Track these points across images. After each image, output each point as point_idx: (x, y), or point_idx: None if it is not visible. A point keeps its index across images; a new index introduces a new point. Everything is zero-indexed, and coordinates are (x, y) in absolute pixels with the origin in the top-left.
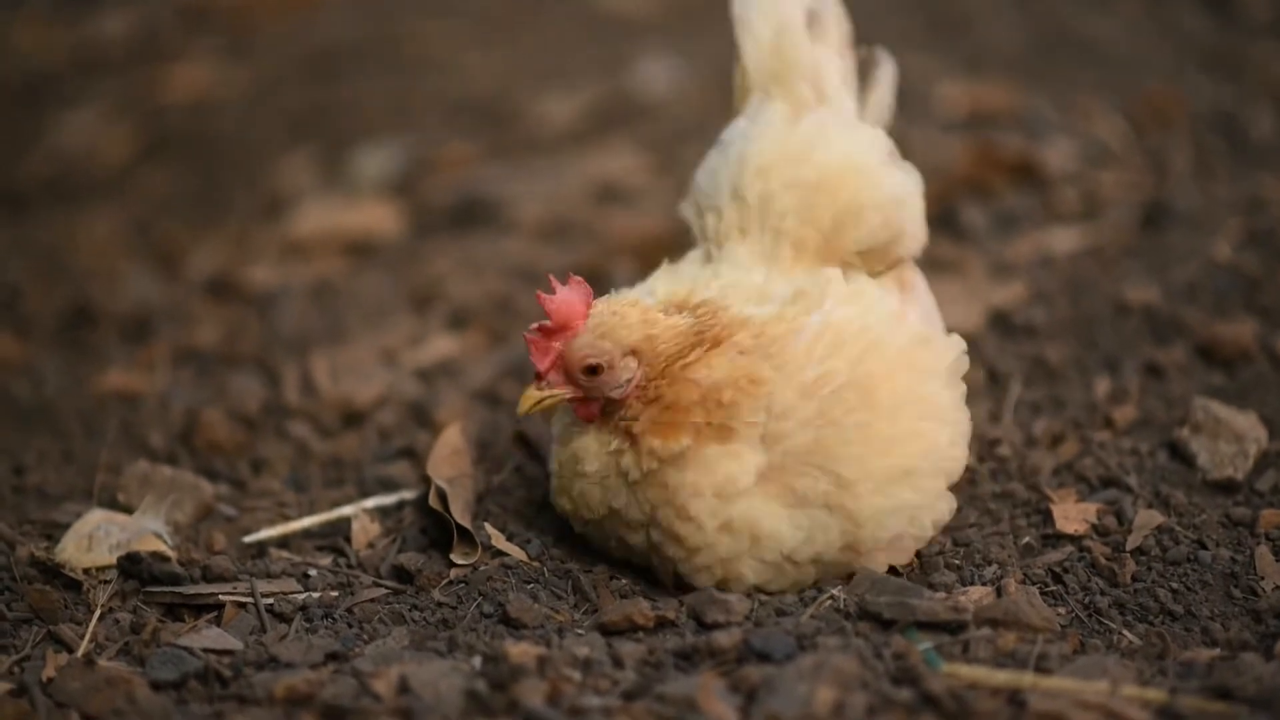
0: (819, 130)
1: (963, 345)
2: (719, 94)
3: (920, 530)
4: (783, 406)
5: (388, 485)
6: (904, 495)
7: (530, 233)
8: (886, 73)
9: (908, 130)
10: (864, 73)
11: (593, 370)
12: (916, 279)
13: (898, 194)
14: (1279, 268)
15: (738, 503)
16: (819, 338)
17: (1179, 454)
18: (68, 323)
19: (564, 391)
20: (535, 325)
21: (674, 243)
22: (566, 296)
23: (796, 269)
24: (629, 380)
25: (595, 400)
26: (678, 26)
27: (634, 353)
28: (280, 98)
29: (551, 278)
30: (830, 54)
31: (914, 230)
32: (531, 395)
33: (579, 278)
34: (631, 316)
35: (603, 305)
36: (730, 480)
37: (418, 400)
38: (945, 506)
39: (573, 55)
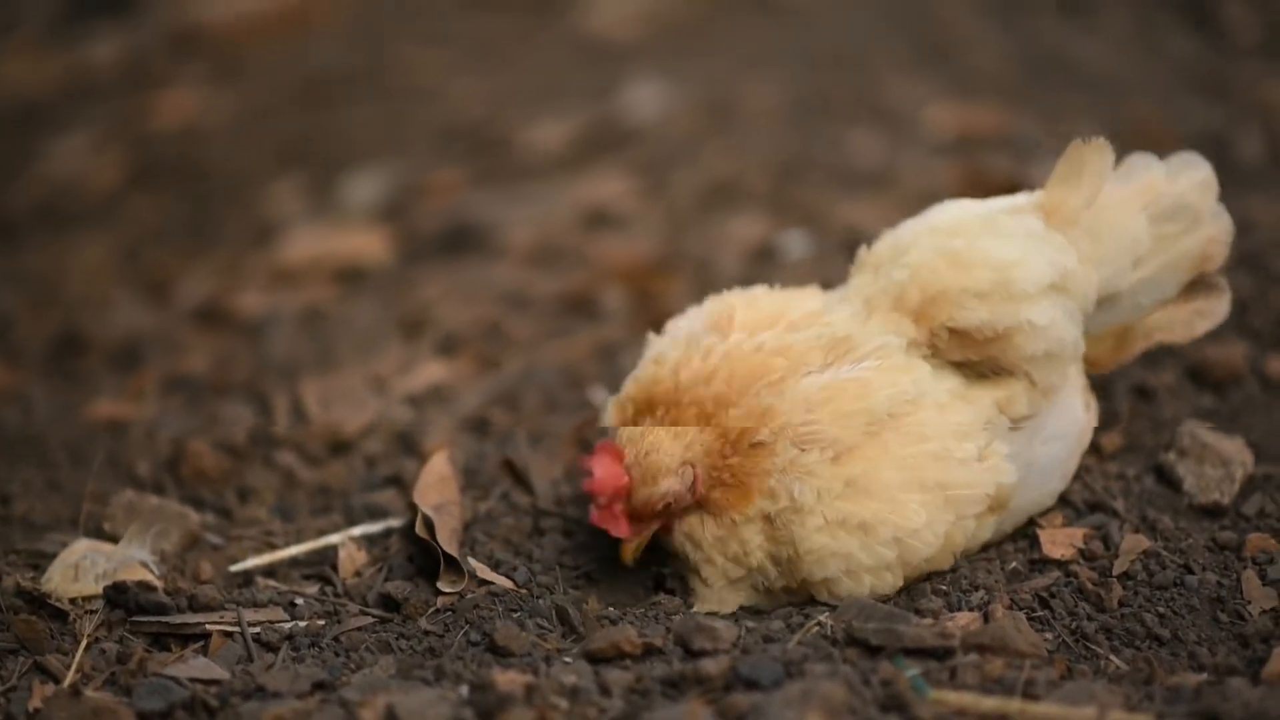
0: (1010, 225)
1: (989, 499)
2: (708, 118)
3: (856, 585)
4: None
5: (375, 513)
6: (850, 544)
7: (520, 259)
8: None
9: (897, 153)
10: None
11: (668, 507)
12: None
13: (1037, 319)
14: (1269, 290)
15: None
16: (825, 389)
17: (1165, 478)
18: (57, 351)
19: (652, 528)
20: (592, 511)
21: (663, 268)
22: (603, 472)
23: (886, 323)
24: (693, 483)
25: (674, 516)
26: (666, 51)
27: (688, 464)
28: (269, 124)
29: (586, 461)
30: (1139, 217)
31: (1048, 371)
32: (628, 548)
33: (605, 444)
34: (664, 443)
35: (638, 440)
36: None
37: (406, 428)
38: (890, 579)
39: (561, 81)
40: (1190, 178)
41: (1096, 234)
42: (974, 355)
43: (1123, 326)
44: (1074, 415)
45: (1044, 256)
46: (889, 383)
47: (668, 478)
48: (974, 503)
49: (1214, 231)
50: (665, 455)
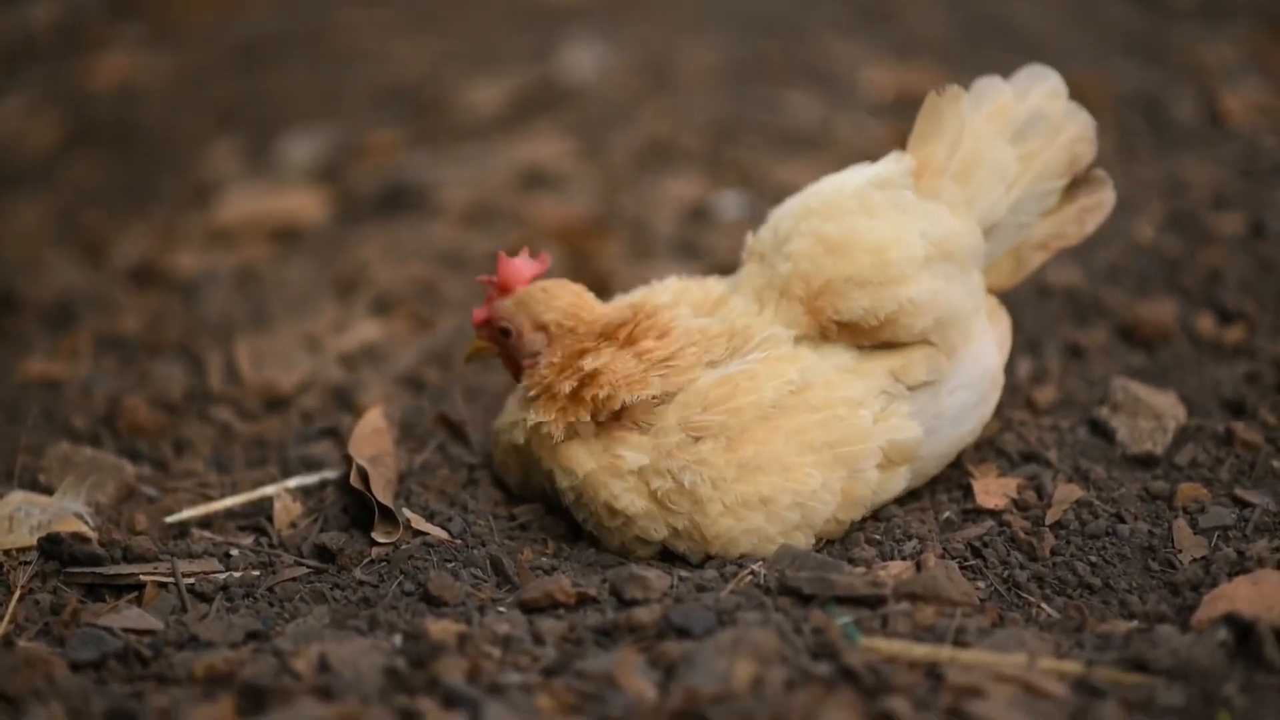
0: (881, 201)
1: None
2: (646, 79)
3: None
4: (664, 425)
5: (310, 465)
6: (756, 519)
7: (456, 219)
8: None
9: (834, 115)
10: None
11: (504, 333)
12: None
13: (918, 297)
14: (1199, 249)
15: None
16: (719, 384)
17: (1099, 430)
18: None
19: (487, 345)
20: (485, 278)
21: (599, 228)
22: (517, 264)
23: (779, 314)
24: (535, 353)
25: (512, 361)
26: (606, 11)
27: (544, 329)
28: (207, 86)
29: (524, 251)
30: (998, 143)
31: (945, 334)
32: (471, 341)
33: (546, 256)
34: (561, 299)
35: (544, 282)
36: (578, 464)
37: (341, 384)
38: (802, 539)
39: (499, 42)
40: (1039, 89)
41: (965, 175)
42: (866, 341)
43: (1014, 246)
44: (983, 362)
45: (917, 229)
46: (775, 374)
47: (524, 313)
48: (866, 457)
49: (1074, 132)
50: (548, 304)
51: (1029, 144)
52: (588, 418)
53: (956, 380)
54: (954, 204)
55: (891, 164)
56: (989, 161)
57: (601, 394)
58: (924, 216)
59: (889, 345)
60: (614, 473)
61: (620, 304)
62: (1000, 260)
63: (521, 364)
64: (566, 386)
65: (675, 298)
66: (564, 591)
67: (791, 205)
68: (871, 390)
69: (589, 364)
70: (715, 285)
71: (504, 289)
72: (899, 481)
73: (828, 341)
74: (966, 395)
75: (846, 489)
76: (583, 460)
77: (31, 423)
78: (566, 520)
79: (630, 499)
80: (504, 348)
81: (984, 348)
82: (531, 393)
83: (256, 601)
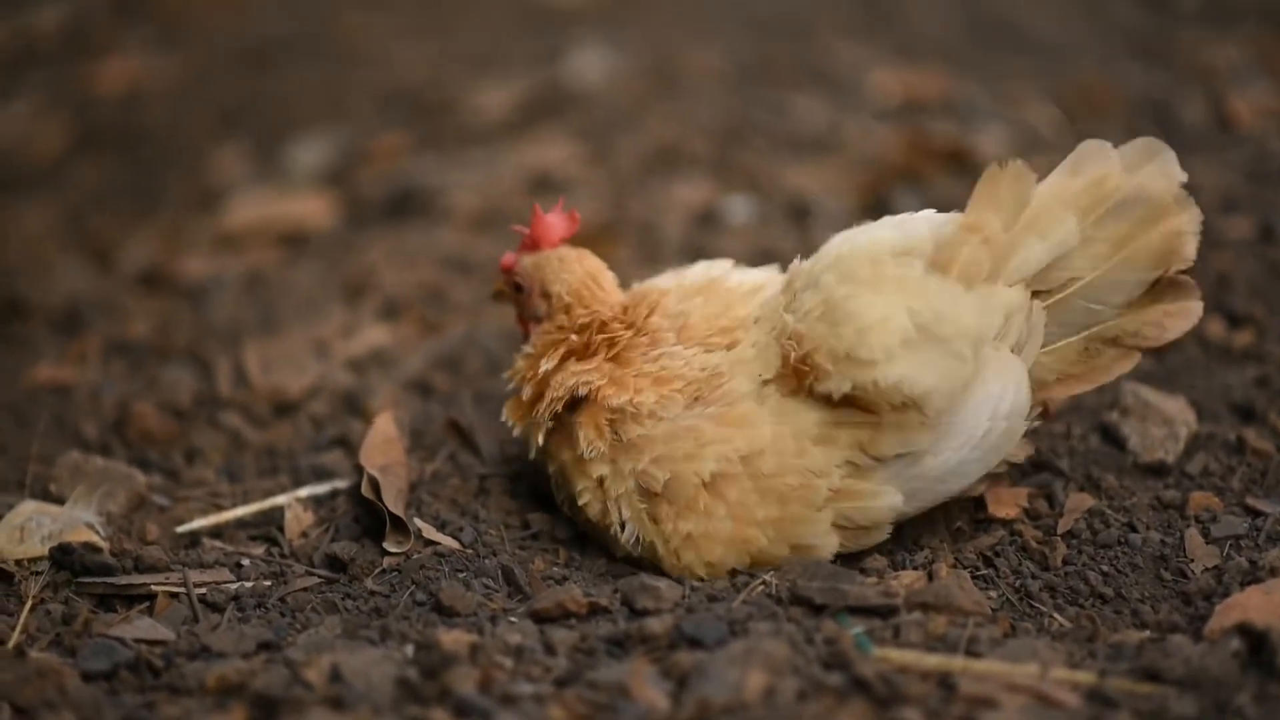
0: (889, 273)
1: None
2: (653, 83)
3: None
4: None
5: (321, 474)
6: (704, 572)
7: (463, 223)
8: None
9: (842, 118)
10: None
11: (516, 288)
12: None
13: (882, 380)
14: (1208, 253)
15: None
16: (669, 437)
17: (1110, 437)
18: None
19: (505, 294)
20: (519, 228)
21: (608, 232)
22: (549, 221)
23: (767, 360)
24: (538, 318)
25: (520, 317)
26: (612, 15)
27: (547, 298)
28: (213, 90)
29: (560, 202)
30: (1064, 219)
31: (923, 409)
32: (498, 280)
33: (577, 215)
34: (572, 273)
35: (566, 251)
36: (555, 451)
37: (350, 389)
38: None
39: (506, 45)
40: (1149, 167)
41: (1008, 250)
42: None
43: (1084, 334)
44: (982, 419)
45: (907, 309)
46: (722, 438)
47: (537, 275)
48: (813, 535)
49: (1178, 224)
50: (557, 274)
51: (1122, 225)
52: (546, 420)
53: (945, 444)
54: (981, 278)
55: (923, 228)
56: (1048, 240)
57: (551, 396)
58: (921, 295)
59: (864, 408)
60: (582, 471)
61: (633, 292)
62: (1067, 348)
63: (527, 323)
64: (526, 392)
65: (685, 294)
66: (576, 601)
67: (834, 245)
68: (834, 459)
69: (543, 368)
70: (747, 297)
71: (532, 245)
72: (878, 536)
73: (801, 396)
74: (960, 455)
75: (803, 551)
76: (559, 447)
77: (42, 431)
78: (578, 529)
79: (590, 499)
80: (516, 301)
81: (988, 398)
82: (509, 385)
83: (268, 612)
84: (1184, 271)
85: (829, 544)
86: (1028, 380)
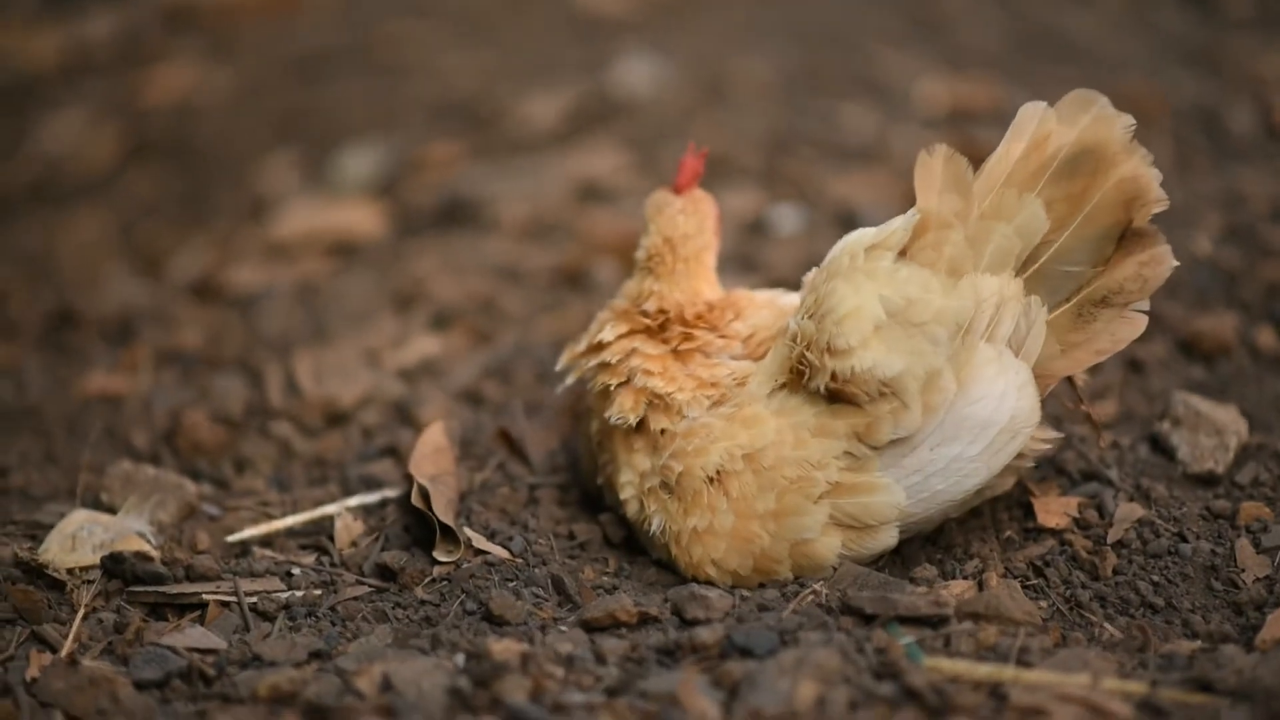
0: (861, 266)
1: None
2: (700, 92)
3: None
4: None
5: (371, 484)
6: (713, 572)
7: (512, 233)
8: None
9: (889, 127)
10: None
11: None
12: None
13: (859, 366)
14: (1259, 262)
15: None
16: (687, 433)
17: (1160, 447)
18: (51, 326)
19: None
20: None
21: None
22: (688, 162)
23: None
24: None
25: None
26: (658, 25)
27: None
28: (263, 100)
29: (690, 146)
30: (1018, 194)
31: (907, 396)
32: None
33: (701, 159)
34: (665, 223)
35: (685, 198)
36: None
37: (401, 399)
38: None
39: (554, 55)
40: (1086, 118)
41: (977, 239)
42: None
43: (1073, 300)
44: (984, 412)
45: (878, 296)
46: (728, 435)
47: (647, 214)
48: (807, 528)
49: (1129, 169)
50: (653, 217)
51: (1075, 181)
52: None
53: (942, 434)
54: (948, 262)
55: (898, 223)
56: (1015, 221)
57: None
58: (890, 283)
59: (855, 402)
60: (627, 459)
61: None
62: (1060, 316)
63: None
64: (583, 344)
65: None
66: (626, 611)
67: (834, 249)
68: (831, 451)
69: (606, 335)
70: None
71: (681, 179)
72: (884, 539)
73: (802, 393)
74: (960, 448)
75: (803, 552)
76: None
77: (94, 441)
78: (628, 539)
79: (630, 495)
80: None
81: (987, 396)
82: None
83: (319, 621)
84: (1153, 220)
85: (829, 544)
86: (1033, 385)
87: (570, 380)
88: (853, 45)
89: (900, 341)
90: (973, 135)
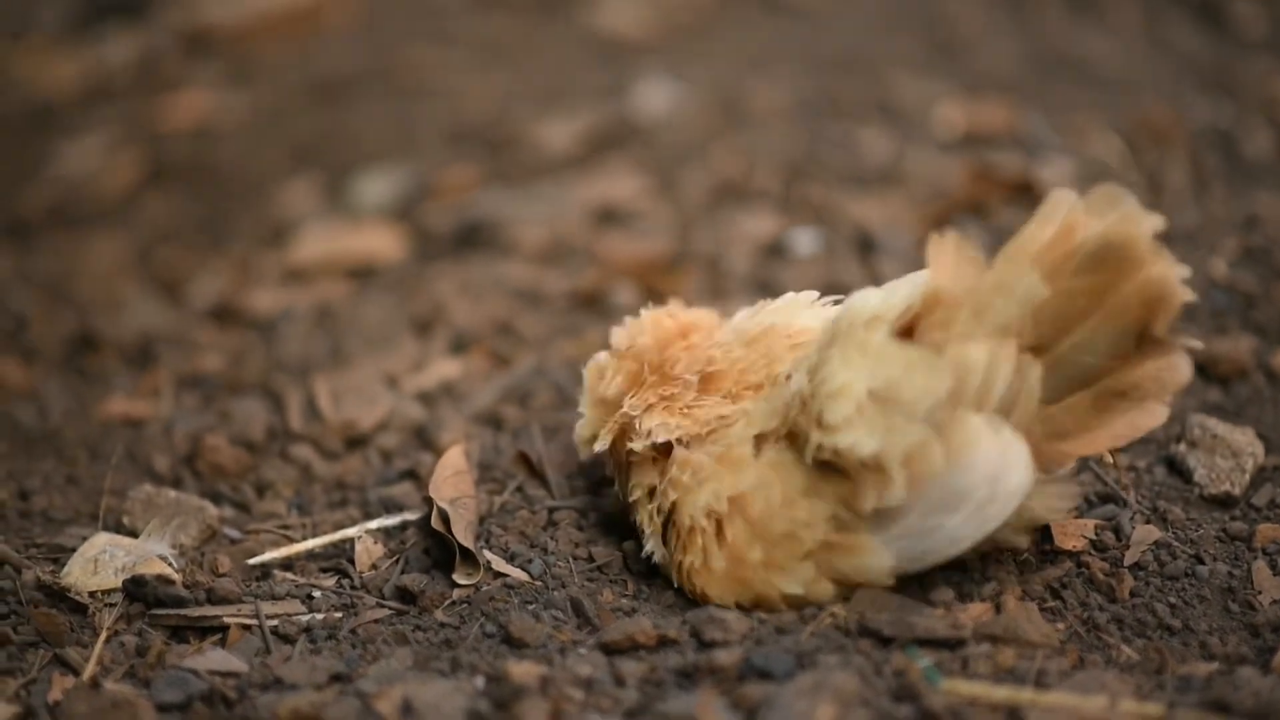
0: (857, 340)
1: None
2: (718, 116)
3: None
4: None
5: (390, 507)
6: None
7: (531, 256)
8: None
9: (907, 151)
10: None
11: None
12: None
13: (840, 445)
14: (1275, 285)
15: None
16: (674, 465)
17: (1176, 469)
18: (71, 350)
19: None
20: None
21: (674, 266)
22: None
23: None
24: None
25: None
26: (677, 49)
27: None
28: (282, 125)
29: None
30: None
31: (888, 470)
32: None
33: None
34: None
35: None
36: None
37: (420, 423)
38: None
39: (571, 79)
40: (1114, 214)
41: (979, 310)
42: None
43: (1090, 389)
44: (969, 483)
45: (865, 378)
46: (715, 476)
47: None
48: (789, 585)
49: (1153, 273)
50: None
51: (1099, 275)
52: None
53: (929, 503)
54: (954, 340)
55: (903, 293)
56: (1013, 297)
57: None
58: (879, 361)
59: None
60: (636, 472)
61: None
62: (1079, 401)
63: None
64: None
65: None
66: (645, 633)
67: (842, 308)
68: (820, 512)
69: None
70: (791, 351)
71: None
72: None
73: (794, 450)
74: (948, 516)
75: (795, 600)
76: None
77: (115, 464)
78: (646, 562)
79: (638, 501)
80: None
81: (976, 465)
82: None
83: (339, 643)
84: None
85: (822, 591)
86: (1027, 459)
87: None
88: (870, 69)
89: (878, 421)
90: (988, 159)
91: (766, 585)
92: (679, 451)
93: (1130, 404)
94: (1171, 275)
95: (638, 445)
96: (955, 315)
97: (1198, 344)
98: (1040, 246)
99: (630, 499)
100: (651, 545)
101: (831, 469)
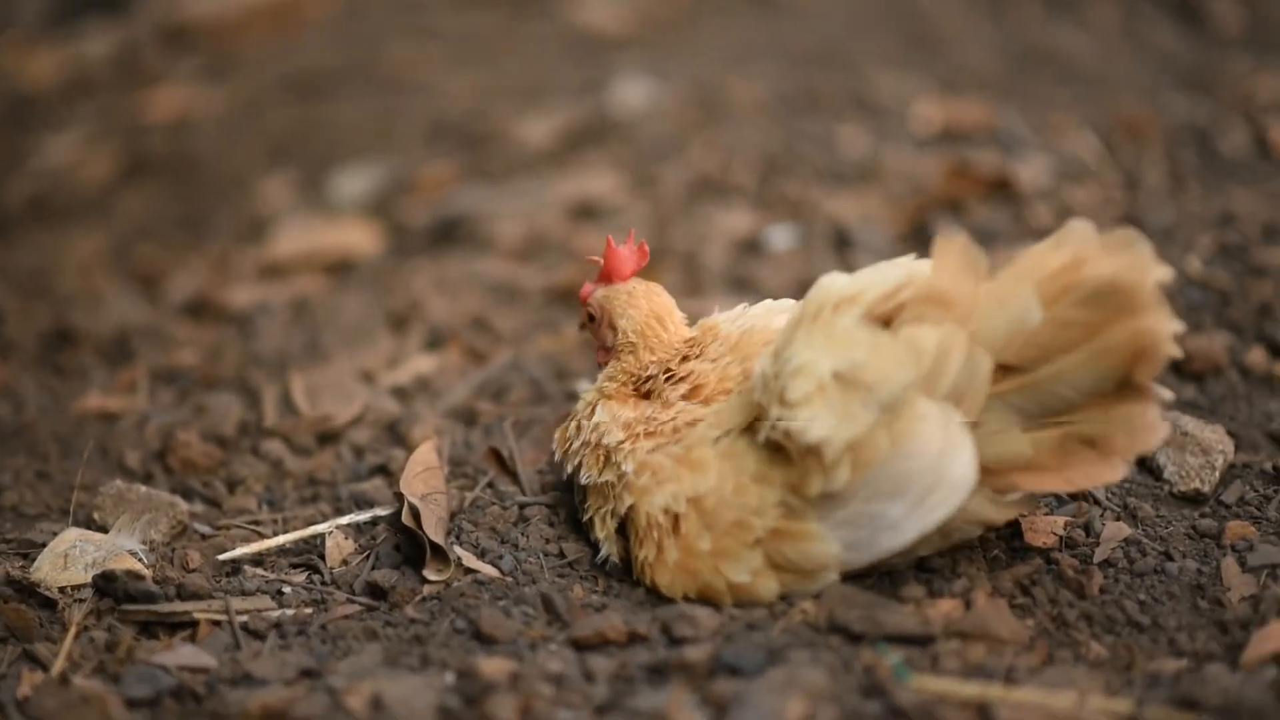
0: (822, 320)
1: None
2: (695, 112)
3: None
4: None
5: (362, 502)
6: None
7: (508, 252)
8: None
9: (884, 147)
10: None
11: (590, 318)
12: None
13: (793, 427)
14: (1249, 282)
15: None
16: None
17: (1146, 467)
18: (48, 344)
19: (584, 319)
20: (594, 259)
21: (651, 261)
22: (621, 255)
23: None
24: (609, 348)
25: (595, 345)
26: (655, 45)
27: (613, 329)
28: (261, 120)
29: (630, 235)
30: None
31: (839, 455)
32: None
33: (646, 249)
34: (638, 310)
35: (635, 285)
36: None
37: (394, 418)
38: None
39: (550, 76)
40: (1126, 257)
41: (967, 317)
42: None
43: (1060, 427)
44: (914, 470)
45: (829, 358)
46: (674, 477)
47: (606, 307)
48: (739, 573)
49: (1149, 322)
50: (623, 309)
51: (1097, 311)
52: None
53: (874, 489)
54: (941, 336)
55: (875, 279)
56: (1006, 308)
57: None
58: (846, 344)
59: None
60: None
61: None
62: (1046, 438)
63: (602, 351)
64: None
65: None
66: (615, 629)
67: (812, 289)
68: (769, 499)
69: (596, 417)
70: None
71: (605, 277)
72: (823, 582)
73: (747, 436)
74: (892, 504)
75: (740, 590)
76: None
77: (86, 459)
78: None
79: (591, 515)
80: (591, 330)
81: (922, 454)
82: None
83: (309, 639)
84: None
85: (766, 586)
86: (972, 452)
87: (569, 469)
88: (848, 66)
89: (837, 402)
90: (965, 155)
91: (714, 574)
92: (638, 455)
93: (1095, 455)
94: (1166, 330)
95: (610, 475)
96: (943, 316)
97: (1170, 395)
98: (1046, 272)
99: (585, 518)
100: (606, 549)
101: (782, 453)
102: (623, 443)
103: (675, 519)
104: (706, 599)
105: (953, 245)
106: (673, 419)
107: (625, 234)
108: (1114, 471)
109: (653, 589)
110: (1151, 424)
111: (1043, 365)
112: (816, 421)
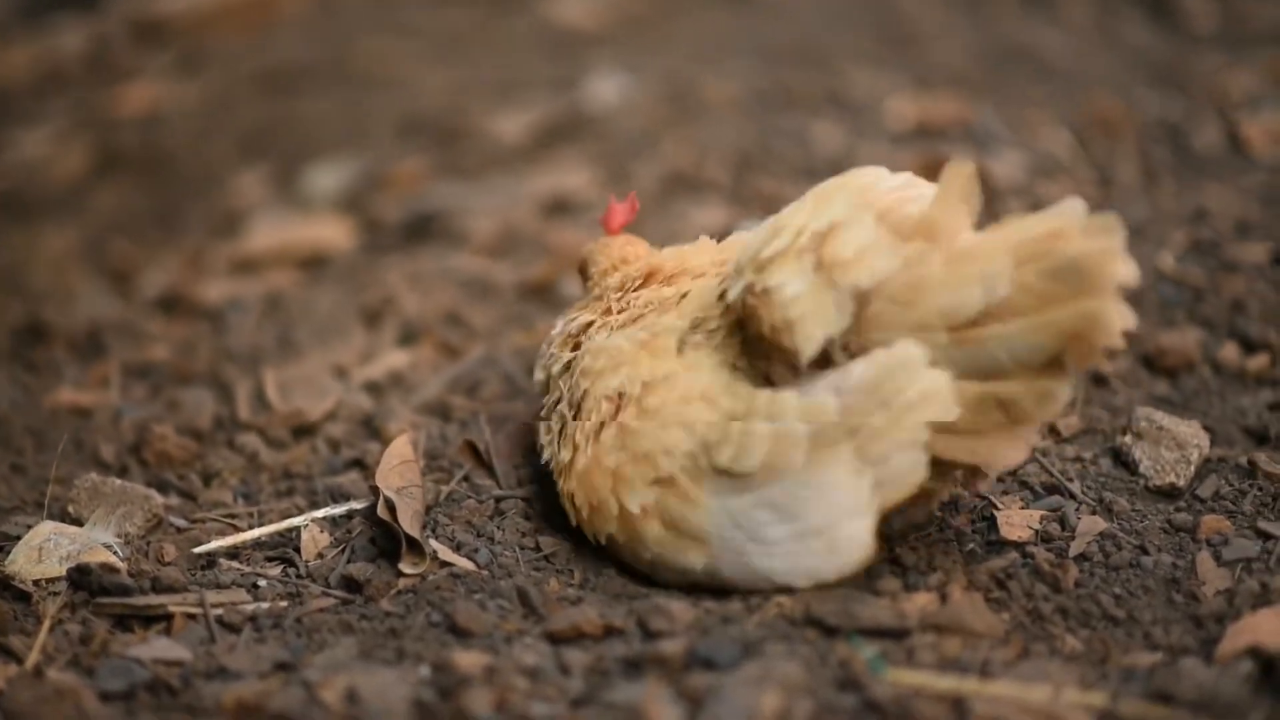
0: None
1: None
2: (670, 108)
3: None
4: None
5: (337, 496)
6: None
7: (481, 248)
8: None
9: (858, 143)
10: None
11: (581, 272)
12: None
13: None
14: (1222, 277)
15: None
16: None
17: (1122, 461)
18: (20, 339)
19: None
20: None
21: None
22: (614, 209)
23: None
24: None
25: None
26: (630, 40)
27: (585, 276)
28: (234, 115)
29: (631, 196)
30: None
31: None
32: None
33: (637, 203)
34: (607, 253)
35: (620, 237)
36: None
37: (368, 413)
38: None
39: (524, 71)
40: (1099, 242)
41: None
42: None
43: (984, 387)
44: (811, 504)
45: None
46: (633, 361)
47: (586, 256)
48: (632, 504)
49: (1097, 308)
50: (595, 257)
51: (1057, 285)
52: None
53: (765, 496)
54: (915, 263)
55: (898, 183)
56: (975, 267)
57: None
58: (841, 219)
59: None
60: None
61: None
62: (969, 390)
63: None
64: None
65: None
66: (590, 623)
67: (835, 178)
68: (686, 444)
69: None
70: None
71: (603, 223)
72: (690, 559)
73: (713, 347)
74: (771, 527)
75: (626, 522)
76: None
77: (61, 453)
78: (593, 551)
79: (555, 421)
80: (585, 286)
81: (825, 493)
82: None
83: (284, 632)
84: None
85: (651, 529)
86: (871, 525)
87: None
88: (823, 62)
89: (808, 269)
90: (939, 151)
91: (609, 494)
92: (596, 338)
93: (1004, 420)
94: (1115, 319)
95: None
96: (921, 246)
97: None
98: (1026, 237)
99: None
100: (549, 451)
101: (741, 377)
102: (591, 323)
103: (615, 411)
104: (595, 518)
105: (959, 176)
106: (642, 306)
107: (599, 229)
108: (1018, 453)
109: (562, 495)
110: (1060, 396)
111: (992, 323)
112: (787, 282)
